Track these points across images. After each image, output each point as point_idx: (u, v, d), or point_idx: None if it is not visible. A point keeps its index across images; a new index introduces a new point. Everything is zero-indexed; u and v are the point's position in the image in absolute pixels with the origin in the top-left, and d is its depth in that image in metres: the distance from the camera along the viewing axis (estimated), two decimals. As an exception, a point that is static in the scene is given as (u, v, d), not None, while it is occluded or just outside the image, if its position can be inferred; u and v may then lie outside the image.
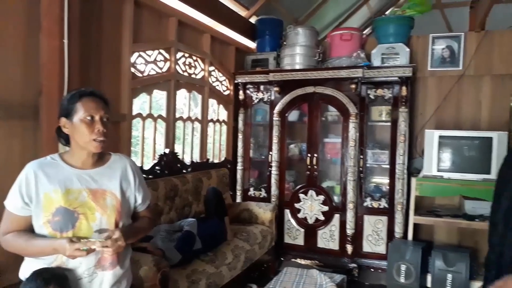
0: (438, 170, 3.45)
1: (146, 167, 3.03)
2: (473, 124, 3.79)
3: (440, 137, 3.44)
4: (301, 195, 3.94)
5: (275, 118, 3.98)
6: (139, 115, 3.02)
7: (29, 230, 1.38)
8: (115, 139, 2.76)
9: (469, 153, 3.43)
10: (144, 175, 2.86)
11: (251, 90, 4.20)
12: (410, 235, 3.52)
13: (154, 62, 3.09)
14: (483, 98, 3.78)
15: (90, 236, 1.36)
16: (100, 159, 1.49)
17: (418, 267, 3.25)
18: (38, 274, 1.32)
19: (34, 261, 1.39)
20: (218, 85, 4.04)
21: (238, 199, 4.19)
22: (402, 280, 3.32)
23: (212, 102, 4.05)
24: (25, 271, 1.39)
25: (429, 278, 3.31)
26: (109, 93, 2.61)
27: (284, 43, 4.13)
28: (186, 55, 3.48)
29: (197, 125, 3.81)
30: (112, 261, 1.43)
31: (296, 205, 3.97)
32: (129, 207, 1.51)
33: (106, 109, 1.45)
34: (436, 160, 3.44)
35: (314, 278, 2.78)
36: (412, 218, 3.50)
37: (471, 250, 3.39)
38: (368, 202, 3.75)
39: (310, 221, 3.91)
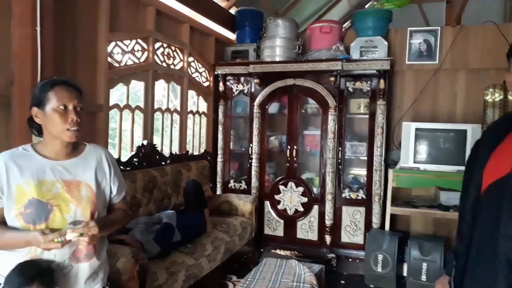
0: (415, 162, 3.52)
1: (124, 159, 2.98)
2: (448, 117, 3.88)
3: (417, 129, 3.50)
4: (281, 187, 3.97)
5: (256, 110, 3.98)
6: (117, 106, 2.96)
7: (2, 222, 1.35)
8: (91, 131, 2.70)
9: (444, 145, 3.51)
10: (121, 167, 2.84)
11: (231, 81, 4.18)
12: (387, 226, 3.59)
13: (132, 52, 3.03)
14: (458, 91, 3.86)
15: (65, 228, 1.33)
16: (74, 149, 1.46)
17: (395, 257, 3.32)
18: (22, 269, 1.28)
19: (7, 254, 1.35)
20: (197, 76, 4.00)
21: (218, 191, 4.19)
22: (379, 269, 3.38)
23: (192, 94, 4.00)
24: (1, 264, 1.35)
25: (405, 267, 3.38)
26: (85, 83, 2.59)
27: (264, 34, 4.12)
28: (165, 45, 3.43)
29: (176, 117, 3.77)
30: (88, 253, 1.41)
31: (276, 197, 3.99)
32: (104, 199, 1.49)
33: (80, 98, 1.41)
34: (413, 152, 3.51)
35: (293, 268, 2.80)
36: (389, 209, 3.57)
37: (446, 240, 3.48)
38: (346, 193, 3.81)
39: (290, 212, 3.94)
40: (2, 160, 1.34)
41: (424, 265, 3.22)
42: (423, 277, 3.21)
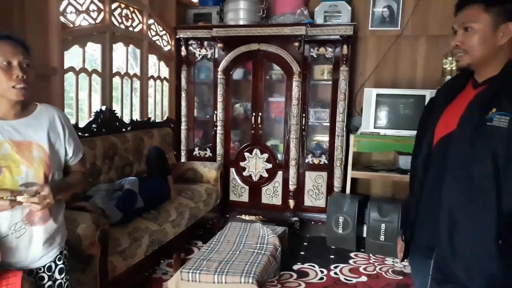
0: (375, 127, 3.60)
1: (82, 125, 2.87)
2: (409, 83, 3.97)
3: (378, 95, 3.57)
4: (246, 154, 3.98)
5: (220, 76, 3.91)
6: (72, 69, 2.82)
7: None
8: (46, 95, 2.56)
9: (404, 111, 3.60)
10: (79, 133, 2.75)
11: (194, 46, 4.06)
12: (348, 189, 3.71)
13: (87, 11, 2.86)
14: (418, 57, 3.95)
15: (16, 190, 1.27)
16: (24, 109, 1.38)
17: (355, 219, 3.45)
18: None
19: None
20: (158, 40, 3.86)
21: (183, 159, 4.15)
22: (340, 231, 3.51)
23: (153, 59, 3.87)
24: None
25: (365, 228, 3.52)
26: (36, 43, 2.42)
27: (228, -3, 4.00)
28: (122, 6, 3.26)
29: (137, 82, 3.65)
30: (43, 216, 1.36)
31: (241, 164, 4.00)
32: (59, 161, 1.43)
33: (26, 54, 1.32)
34: (373, 118, 3.59)
35: (257, 230, 2.85)
36: (350, 173, 3.68)
37: (403, 202, 3.63)
38: (309, 159, 3.87)
39: (255, 178, 3.98)
40: None
41: (383, 226, 3.36)
42: (382, 237, 3.36)
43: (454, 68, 3.74)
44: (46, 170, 1.35)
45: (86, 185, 2.49)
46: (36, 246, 1.37)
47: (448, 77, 3.75)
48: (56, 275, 1.46)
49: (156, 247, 2.63)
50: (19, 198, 1.21)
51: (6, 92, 1.28)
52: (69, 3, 2.70)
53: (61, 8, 2.62)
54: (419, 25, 3.83)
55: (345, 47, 3.61)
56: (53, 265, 1.45)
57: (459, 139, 1.21)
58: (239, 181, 4.02)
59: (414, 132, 3.36)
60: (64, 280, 1.49)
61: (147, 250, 2.52)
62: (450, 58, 3.73)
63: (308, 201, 3.93)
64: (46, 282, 1.43)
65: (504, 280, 1.13)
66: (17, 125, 1.33)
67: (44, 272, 1.42)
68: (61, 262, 1.48)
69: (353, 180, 3.74)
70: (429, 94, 3.44)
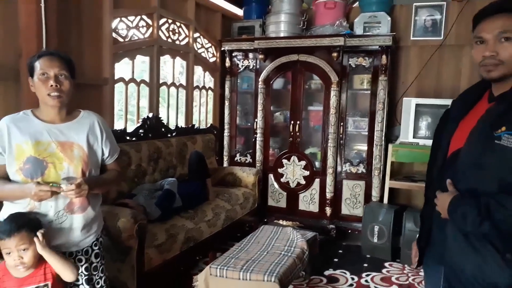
0: (414, 137, 3.57)
1: (130, 129, 3.16)
2: (453, 93, 3.87)
3: (417, 105, 3.54)
4: (284, 161, 4.09)
5: (260, 85, 4.08)
6: (122, 79, 3.13)
7: (3, 177, 1.53)
8: (98, 103, 2.88)
9: (444, 121, 3.52)
10: (127, 138, 3.03)
11: (237, 57, 4.28)
12: (385, 199, 3.69)
13: (136, 27, 3.17)
14: (463, 67, 3.85)
15: (59, 182, 1.51)
16: (69, 115, 1.62)
17: (390, 228, 3.43)
18: (13, 219, 1.47)
19: (10, 205, 1.54)
20: (203, 52, 4.12)
21: (225, 164, 4.35)
22: (375, 240, 3.50)
23: (198, 69, 4.13)
24: (3, 213, 1.56)
25: (401, 239, 3.48)
26: (90, 58, 2.76)
27: (270, 10, 4.17)
28: (170, 21, 3.55)
29: (182, 92, 3.92)
30: (82, 206, 1.59)
31: (279, 170, 4.12)
32: (96, 159, 1.66)
33: (62, 66, 1.55)
34: (412, 127, 3.56)
35: (287, 234, 2.94)
36: (388, 183, 3.66)
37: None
38: (347, 168, 3.91)
39: (292, 185, 4.08)
40: (5, 123, 1.52)
41: (418, 236, 3.30)
42: (417, 248, 3.31)
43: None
44: (84, 167, 1.58)
45: (120, 181, 2.72)
46: (75, 232, 1.60)
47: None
48: (92, 258, 1.69)
49: (192, 244, 2.83)
50: (57, 189, 1.45)
51: (44, 99, 1.53)
52: (121, 21, 3.02)
53: (113, 25, 2.94)
54: (463, 34, 3.75)
55: (383, 57, 3.63)
56: (90, 249, 1.68)
57: (467, 156, 1.20)
58: (277, 187, 4.15)
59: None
60: (99, 264, 1.72)
61: (182, 246, 2.72)
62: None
63: (345, 210, 3.95)
64: (84, 264, 1.65)
65: None
66: (62, 128, 1.58)
67: (82, 255, 1.65)
68: (97, 247, 1.71)
69: (394, 190, 3.71)
70: (470, 104, 3.35)
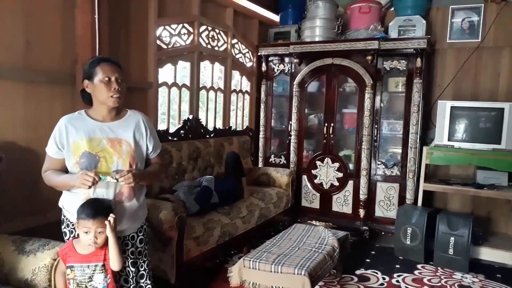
0: (449, 140, 3.56)
1: (172, 130, 3.38)
2: (491, 96, 3.83)
3: (452, 107, 3.53)
4: (318, 162, 4.18)
5: (295, 89, 4.20)
6: (165, 83, 3.36)
7: (64, 170, 1.75)
8: (143, 105, 3.11)
9: (480, 124, 3.50)
10: (169, 138, 3.26)
11: (273, 62, 4.42)
12: (419, 201, 3.69)
13: (179, 35, 3.40)
14: (502, 69, 3.79)
15: (110, 174, 1.71)
16: (118, 114, 1.83)
17: (423, 230, 3.43)
18: (94, 203, 1.65)
19: (69, 194, 1.76)
20: (241, 57, 4.30)
21: (260, 165, 4.50)
22: (408, 242, 3.52)
23: (236, 74, 4.31)
24: (62, 201, 1.79)
25: (435, 241, 3.47)
26: (136, 63, 3.00)
27: (306, 15, 4.29)
28: (209, 28, 3.76)
29: (220, 95, 4.12)
30: (129, 196, 1.78)
31: (313, 172, 4.22)
32: (142, 154, 1.85)
33: (120, 72, 1.77)
34: (447, 130, 3.55)
35: (319, 232, 3.03)
36: (422, 185, 3.66)
37: (476, 217, 3.51)
38: (381, 170, 3.94)
39: (326, 186, 4.16)
40: (63, 122, 1.74)
41: (452, 239, 3.30)
42: (450, 251, 3.30)
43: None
44: (131, 161, 1.77)
45: (163, 174, 2.91)
46: (123, 219, 1.78)
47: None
48: (137, 243, 1.88)
49: (227, 238, 2.99)
50: (108, 179, 1.65)
51: (106, 100, 1.73)
52: (164, 29, 3.25)
53: (158, 33, 3.17)
54: (502, 36, 3.70)
55: (418, 60, 3.65)
56: (135, 235, 1.87)
57: None
58: (310, 188, 4.24)
59: (490, 146, 3.36)
60: (143, 249, 1.91)
61: (218, 239, 2.88)
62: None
63: (379, 212, 3.98)
64: (130, 248, 1.84)
65: None
66: (112, 126, 1.78)
67: (128, 240, 1.84)
68: (142, 234, 1.90)
69: (429, 193, 3.70)
70: (508, 106, 3.32)
